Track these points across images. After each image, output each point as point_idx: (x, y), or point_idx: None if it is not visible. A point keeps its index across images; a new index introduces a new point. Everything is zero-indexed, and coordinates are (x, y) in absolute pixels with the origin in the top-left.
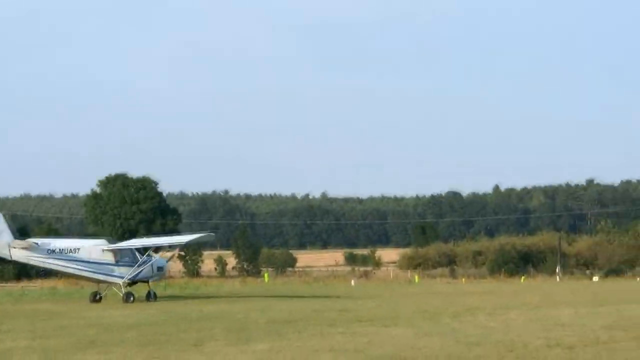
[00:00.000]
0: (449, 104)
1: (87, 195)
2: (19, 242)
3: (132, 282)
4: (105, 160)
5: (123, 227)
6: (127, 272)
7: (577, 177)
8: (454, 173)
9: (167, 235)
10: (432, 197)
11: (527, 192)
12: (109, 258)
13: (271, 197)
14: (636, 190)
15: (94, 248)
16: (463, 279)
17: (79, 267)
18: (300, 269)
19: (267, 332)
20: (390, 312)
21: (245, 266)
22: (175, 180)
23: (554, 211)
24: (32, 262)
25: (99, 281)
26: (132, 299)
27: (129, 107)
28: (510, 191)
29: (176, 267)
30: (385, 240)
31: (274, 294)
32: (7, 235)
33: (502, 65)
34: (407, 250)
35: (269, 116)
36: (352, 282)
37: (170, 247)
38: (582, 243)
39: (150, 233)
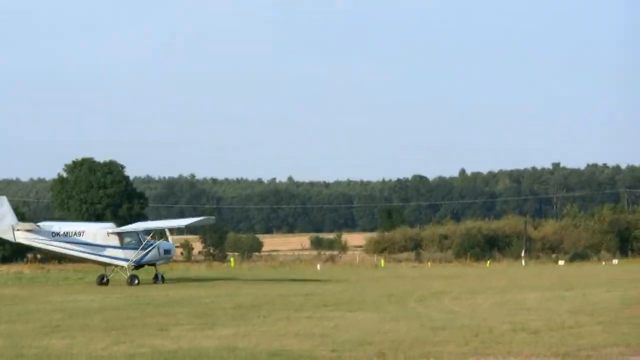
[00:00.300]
0: (416, 88)
1: (54, 180)
2: (22, 224)
3: (139, 265)
4: (72, 145)
5: (89, 211)
6: (132, 255)
7: (543, 161)
8: (420, 157)
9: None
10: (399, 181)
11: (493, 176)
12: (114, 241)
13: (237, 181)
14: (602, 174)
15: (99, 231)
16: (429, 263)
17: (84, 250)
18: (267, 253)
19: (233, 316)
20: (357, 297)
21: (211, 251)
22: (141, 164)
23: (520, 195)
24: (35, 245)
25: (103, 264)
26: (136, 281)
27: (95, 91)
28: (476, 175)
29: None
30: (351, 225)
31: (240, 279)
32: (10, 218)
33: (469, 49)
34: (373, 235)
35: (236, 100)
36: (318, 267)
37: (170, 230)
38: (548, 227)
39: (116, 218)
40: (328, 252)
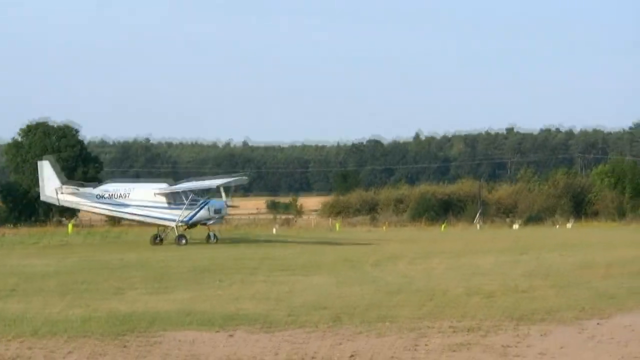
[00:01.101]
0: (371, 50)
1: (8, 144)
2: (67, 187)
3: (191, 224)
4: (27, 108)
5: None
6: (181, 215)
7: (497, 125)
8: (375, 121)
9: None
10: (354, 145)
11: (447, 140)
12: (162, 201)
13: (192, 144)
14: (556, 138)
15: (145, 191)
16: (384, 227)
17: (130, 211)
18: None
19: (188, 280)
20: (312, 261)
21: None
22: (96, 128)
23: (474, 159)
24: (81, 208)
25: (151, 225)
26: (184, 241)
27: (49, 51)
28: (431, 139)
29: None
30: (307, 188)
31: (195, 242)
32: (55, 181)
33: (423, 12)
34: (329, 198)
35: (191, 61)
36: (274, 230)
37: (226, 190)
38: (503, 191)
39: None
40: (284, 216)
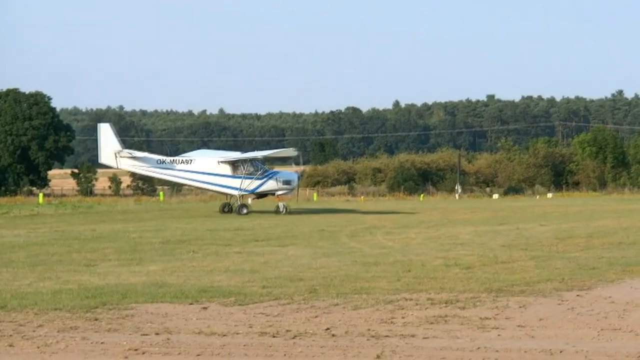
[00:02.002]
0: (347, 18)
1: None
2: (127, 151)
3: (261, 195)
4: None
5: (15, 143)
6: (245, 184)
7: (478, 93)
8: (353, 89)
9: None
10: (331, 113)
11: (427, 109)
12: (225, 170)
13: (167, 113)
14: (537, 106)
15: (208, 160)
16: (362, 197)
17: (190, 177)
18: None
19: (161, 252)
20: (288, 232)
21: (140, 184)
22: (68, 95)
23: (454, 128)
24: (139, 172)
25: (214, 192)
26: (245, 211)
27: (18, 18)
28: (410, 107)
29: (69, 184)
30: (283, 158)
31: (168, 213)
32: (114, 145)
33: None
34: (306, 168)
35: (165, 29)
36: (249, 201)
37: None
38: (482, 161)
39: (42, 150)
40: None
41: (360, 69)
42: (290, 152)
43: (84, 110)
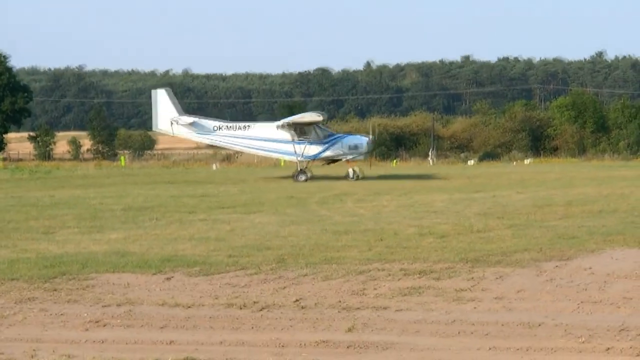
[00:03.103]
0: None
1: None
2: (184, 118)
3: (330, 160)
4: None
5: None
6: (304, 150)
7: (452, 54)
8: (323, 49)
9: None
10: (300, 74)
11: (400, 70)
12: (284, 136)
13: (129, 73)
14: (514, 68)
15: (266, 125)
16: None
17: (247, 143)
18: (160, 152)
19: (123, 219)
20: (255, 198)
21: (100, 148)
22: (26, 54)
23: (428, 90)
24: (195, 139)
25: (271, 158)
26: (302, 177)
27: None
28: (382, 68)
29: (26, 148)
30: (250, 120)
31: (130, 179)
32: (171, 111)
33: None
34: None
35: None
36: (214, 167)
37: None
38: (457, 125)
39: None
40: (225, 150)
41: (329, 28)
42: (314, 116)
43: (42, 70)
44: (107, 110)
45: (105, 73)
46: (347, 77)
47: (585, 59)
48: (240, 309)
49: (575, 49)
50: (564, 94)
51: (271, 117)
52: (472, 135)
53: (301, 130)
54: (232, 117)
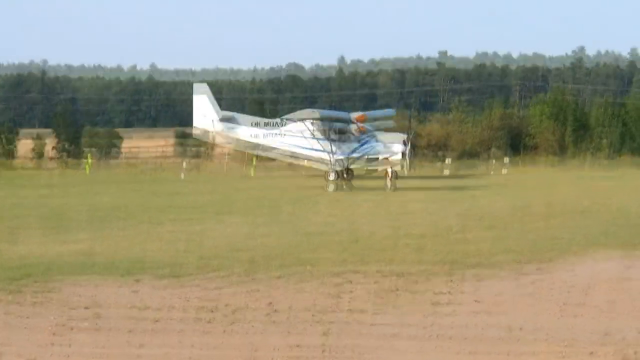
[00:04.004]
0: None
1: None
2: (225, 114)
3: (373, 169)
4: None
5: None
6: (337, 150)
7: (429, 50)
8: (296, 44)
9: None
10: (271, 70)
11: (375, 65)
12: (316, 135)
13: (94, 67)
14: (492, 64)
15: (298, 125)
16: (305, 161)
17: (283, 141)
18: (127, 151)
19: (90, 221)
20: (225, 199)
21: (66, 147)
22: None
23: (404, 87)
24: (232, 135)
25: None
26: (332, 176)
27: None
28: (357, 64)
29: None
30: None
31: (97, 179)
32: (211, 111)
33: None
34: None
35: None
36: (182, 175)
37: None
38: (434, 123)
39: None
40: (195, 148)
41: (301, 22)
42: (309, 113)
43: (4, 64)
44: (72, 107)
45: (70, 68)
46: (320, 73)
47: (566, 54)
48: (212, 312)
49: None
50: (544, 92)
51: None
52: (449, 133)
53: (336, 129)
54: None
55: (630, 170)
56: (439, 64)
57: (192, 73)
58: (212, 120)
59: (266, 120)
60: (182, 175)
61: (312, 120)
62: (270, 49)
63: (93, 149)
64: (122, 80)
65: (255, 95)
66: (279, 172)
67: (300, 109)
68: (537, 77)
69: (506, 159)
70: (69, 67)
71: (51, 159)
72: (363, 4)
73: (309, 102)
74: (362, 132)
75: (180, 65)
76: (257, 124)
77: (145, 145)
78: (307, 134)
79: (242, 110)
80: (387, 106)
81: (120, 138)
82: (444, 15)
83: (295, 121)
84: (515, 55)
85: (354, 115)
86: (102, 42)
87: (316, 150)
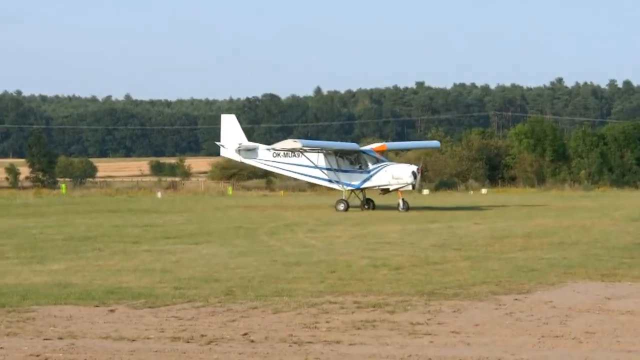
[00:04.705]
0: (266, 2)
1: None
2: (245, 144)
3: (384, 190)
4: None
5: None
6: (347, 178)
7: (406, 80)
8: (272, 74)
9: None
10: (248, 100)
11: (351, 96)
12: (331, 163)
13: (69, 99)
14: (470, 94)
15: (318, 153)
16: (281, 192)
17: (300, 171)
18: (102, 180)
19: (64, 250)
20: (201, 229)
21: (40, 176)
22: None
23: (381, 117)
24: (257, 165)
25: (325, 187)
26: (342, 207)
27: None
28: (333, 94)
29: None
30: (195, 148)
31: (71, 208)
32: (237, 138)
33: None
34: (220, 159)
35: (67, 9)
36: (159, 194)
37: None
38: (411, 153)
39: None
40: (169, 179)
41: (278, 52)
42: (290, 143)
43: None
44: (47, 137)
45: (44, 98)
46: (297, 103)
47: (544, 86)
48: (188, 342)
49: (533, 75)
50: (522, 122)
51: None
52: (426, 163)
53: (346, 159)
54: (175, 145)
55: (609, 201)
56: (416, 94)
57: (167, 103)
58: (238, 150)
59: (285, 151)
60: (159, 194)
61: (324, 151)
62: (246, 79)
63: (67, 179)
64: (96, 110)
65: None
66: (256, 192)
67: (277, 138)
68: (516, 106)
69: (484, 190)
70: (43, 98)
71: (24, 188)
72: (339, 34)
73: (285, 132)
74: (377, 161)
75: (155, 96)
76: (277, 154)
77: (120, 174)
78: (322, 163)
79: (218, 140)
80: (363, 136)
81: (95, 167)
82: (421, 46)
83: (315, 151)
84: (493, 86)
85: (374, 146)
86: (76, 73)
87: (328, 180)
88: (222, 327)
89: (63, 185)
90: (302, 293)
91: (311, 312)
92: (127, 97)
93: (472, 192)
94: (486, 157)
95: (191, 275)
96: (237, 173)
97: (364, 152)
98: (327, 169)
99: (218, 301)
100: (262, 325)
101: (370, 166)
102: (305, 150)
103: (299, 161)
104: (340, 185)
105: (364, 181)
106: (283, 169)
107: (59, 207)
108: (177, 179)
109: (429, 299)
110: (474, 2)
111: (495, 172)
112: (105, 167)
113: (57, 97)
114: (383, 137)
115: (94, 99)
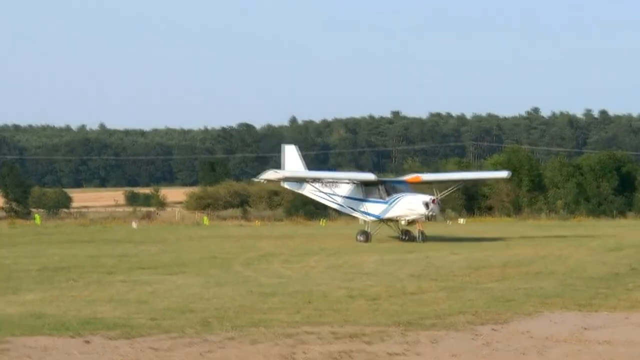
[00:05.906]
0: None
1: None
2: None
3: (410, 222)
4: None
5: None
6: (373, 209)
7: (381, 109)
8: (246, 103)
9: None
10: (223, 130)
11: (326, 126)
12: (357, 194)
13: (43, 128)
14: (446, 124)
15: (348, 184)
16: (257, 222)
17: (333, 200)
18: (76, 210)
19: (38, 280)
20: (177, 259)
21: (14, 206)
22: None
23: (356, 147)
24: (302, 192)
25: (350, 216)
26: (362, 238)
27: None
28: (308, 124)
29: None
30: (170, 178)
31: (45, 238)
32: (300, 167)
33: None
34: (195, 189)
35: (37, 36)
36: (134, 224)
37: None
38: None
39: None
40: (144, 209)
41: (253, 82)
42: (272, 174)
43: None
44: (20, 167)
45: (17, 128)
46: (271, 133)
47: (520, 115)
48: None
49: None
50: (498, 152)
51: (192, 174)
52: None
53: (369, 190)
54: (149, 175)
55: (585, 231)
56: (391, 123)
57: (142, 133)
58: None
59: (323, 181)
60: (134, 224)
61: (357, 183)
62: (221, 108)
63: (41, 210)
64: (70, 140)
65: (205, 156)
66: (232, 222)
67: (252, 168)
68: (492, 136)
69: (461, 220)
70: (17, 127)
71: None
72: (314, 64)
73: (260, 162)
74: (395, 191)
75: (130, 125)
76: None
77: (94, 204)
78: (353, 194)
79: (192, 170)
80: (339, 166)
81: (69, 198)
82: (396, 76)
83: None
84: (468, 115)
85: (410, 177)
86: (50, 102)
87: (355, 210)
88: (199, 358)
89: (37, 216)
90: (278, 324)
91: (288, 343)
92: (102, 126)
93: (449, 222)
94: (463, 187)
95: (167, 305)
96: (212, 203)
97: (384, 182)
98: (350, 198)
99: (194, 332)
100: (239, 356)
101: (387, 197)
102: (288, 180)
103: (338, 191)
104: (366, 216)
105: (385, 211)
106: (325, 199)
107: (32, 237)
108: (152, 209)
109: (406, 329)
110: (449, 31)
111: (472, 202)
112: (81, 198)
113: (30, 126)
114: (359, 167)
115: (68, 129)
